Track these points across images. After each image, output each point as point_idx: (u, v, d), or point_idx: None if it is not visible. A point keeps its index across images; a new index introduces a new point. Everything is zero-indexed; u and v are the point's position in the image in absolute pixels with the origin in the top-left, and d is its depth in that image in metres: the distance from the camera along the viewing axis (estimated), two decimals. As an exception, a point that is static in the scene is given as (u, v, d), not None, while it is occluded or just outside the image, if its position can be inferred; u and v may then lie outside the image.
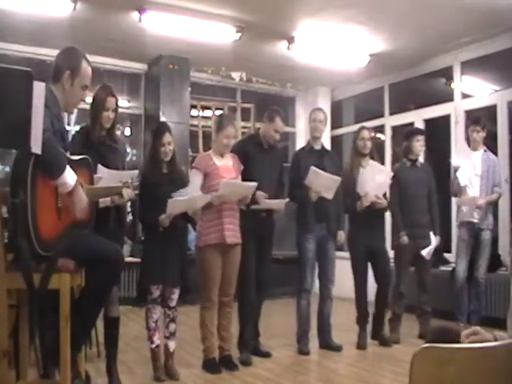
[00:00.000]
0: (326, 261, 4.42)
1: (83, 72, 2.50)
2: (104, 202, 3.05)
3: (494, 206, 5.09)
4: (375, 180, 4.37)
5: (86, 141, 3.20)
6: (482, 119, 5.06)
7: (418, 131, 5.02)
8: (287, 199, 4.23)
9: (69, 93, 2.47)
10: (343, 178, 4.33)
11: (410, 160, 4.87)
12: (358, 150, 4.59)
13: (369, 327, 4.63)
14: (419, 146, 4.83)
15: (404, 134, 5.15)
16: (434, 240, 4.74)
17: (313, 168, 4.15)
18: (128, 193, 3.04)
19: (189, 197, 3.47)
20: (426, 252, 4.66)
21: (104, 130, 3.29)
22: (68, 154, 2.45)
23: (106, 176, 3.01)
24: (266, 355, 4.20)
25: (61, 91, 2.46)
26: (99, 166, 3.03)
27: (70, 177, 2.25)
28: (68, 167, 2.24)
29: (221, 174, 3.80)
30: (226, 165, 3.90)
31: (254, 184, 3.79)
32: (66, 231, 2.34)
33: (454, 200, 5.61)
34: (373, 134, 4.70)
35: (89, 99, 3.34)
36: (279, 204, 4.13)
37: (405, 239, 4.69)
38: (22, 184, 2.10)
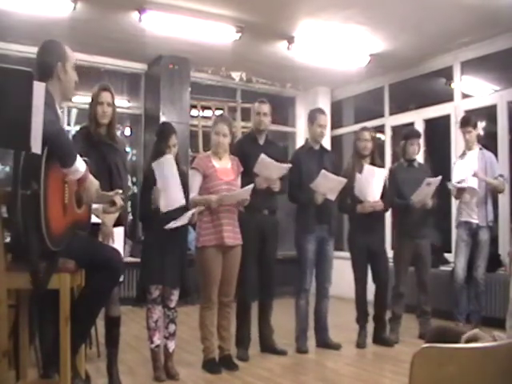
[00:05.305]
0: (325, 261, 4.44)
1: (69, 55, 2.52)
2: (96, 210, 2.94)
3: (493, 200, 5.09)
4: (372, 184, 4.38)
5: (87, 140, 3.20)
6: (471, 119, 5.09)
7: (414, 134, 4.98)
8: (290, 165, 4.15)
9: (65, 80, 2.49)
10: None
11: (408, 160, 4.88)
12: (359, 152, 4.60)
13: (369, 328, 4.63)
14: (412, 149, 4.84)
15: (402, 134, 5.16)
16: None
17: (323, 172, 4.15)
18: (120, 200, 2.88)
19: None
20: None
21: (101, 127, 3.26)
22: None
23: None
24: (282, 353, 4.24)
25: (56, 84, 2.45)
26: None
27: (80, 163, 2.27)
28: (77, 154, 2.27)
29: (219, 176, 3.80)
30: (225, 167, 3.89)
31: (250, 186, 3.77)
32: (68, 229, 2.34)
33: (453, 200, 5.60)
34: (373, 135, 4.70)
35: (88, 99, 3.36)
36: (279, 167, 4.03)
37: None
38: (36, 174, 2.09)
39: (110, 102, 3.26)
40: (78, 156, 2.26)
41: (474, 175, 4.80)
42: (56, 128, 2.18)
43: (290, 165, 4.12)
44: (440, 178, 4.59)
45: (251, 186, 3.78)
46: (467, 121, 5.07)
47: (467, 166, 4.97)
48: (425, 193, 4.55)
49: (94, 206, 2.88)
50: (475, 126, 5.04)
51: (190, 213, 3.52)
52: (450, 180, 5.02)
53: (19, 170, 2.17)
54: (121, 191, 2.74)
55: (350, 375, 3.83)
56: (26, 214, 2.11)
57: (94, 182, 2.38)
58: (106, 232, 3.12)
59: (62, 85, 2.48)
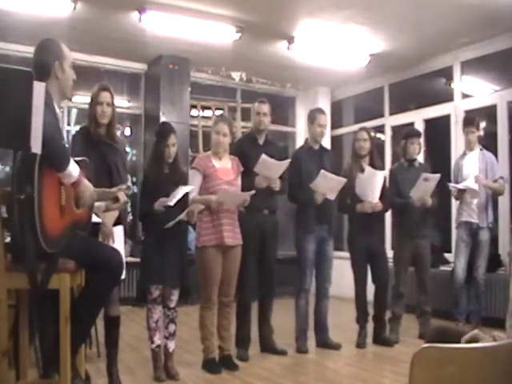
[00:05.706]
0: (325, 261, 4.44)
1: (67, 54, 2.52)
2: (98, 208, 2.95)
3: (494, 202, 5.09)
4: (373, 184, 4.38)
5: (87, 140, 3.20)
6: (475, 119, 5.09)
7: (414, 134, 4.98)
8: (289, 160, 4.16)
9: (63, 79, 2.49)
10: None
11: (408, 160, 4.88)
12: (356, 152, 4.60)
13: (369, 328, 4.64)
14: (413, 148, 4.84)
15: (402, 134, 5.16)
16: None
17: (323, 172, 4.15)
18: (123, 196, 2.90)
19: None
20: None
21: (101, 127, 3.25)
22: None
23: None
24: (282, 353, 4.24)
25: (54, 83, 2.45)
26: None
27: (73, 167, 2.26)
28: (71, 158, 2.26)
29: (219, 176, 3.79)
30: (225, 167, 3.89)
31: (250, 193, 3.76)
32: (67, 230, 2.34)
33: (453, 200, 5.60)
34: (372, 134, 4.70)
35: (88, 99, 3.36)
36: (280, 165, 4.02)
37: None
38: (29, 178, 2.09)
39: (110, 102, 3.26)
40: (72, 161, 2.26)
41: (476, 181, 4.80)
42: (51, 130, 2.15)
43: (289, 160, 4.12)
44: (439, 175, 4.58)
45: (252, 192, 3.77)
46: (471, 121, 5.05)
47: (468, 168, 4.97)
48: (423, 189, 4.53)
49: (97, 203, 2.88)
50: (478, 127, 5.03)
51: (188, 209, 3.53)
52: (449, 180, 5.01)
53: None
54: (124, 186, 2.73)
55: (350, 375, 3.82)
56: (22, 216, 2.12)
57: (88, 187, 2.37)
58: (106, 232, 3.12)
59: (59, 83, 2.48)
